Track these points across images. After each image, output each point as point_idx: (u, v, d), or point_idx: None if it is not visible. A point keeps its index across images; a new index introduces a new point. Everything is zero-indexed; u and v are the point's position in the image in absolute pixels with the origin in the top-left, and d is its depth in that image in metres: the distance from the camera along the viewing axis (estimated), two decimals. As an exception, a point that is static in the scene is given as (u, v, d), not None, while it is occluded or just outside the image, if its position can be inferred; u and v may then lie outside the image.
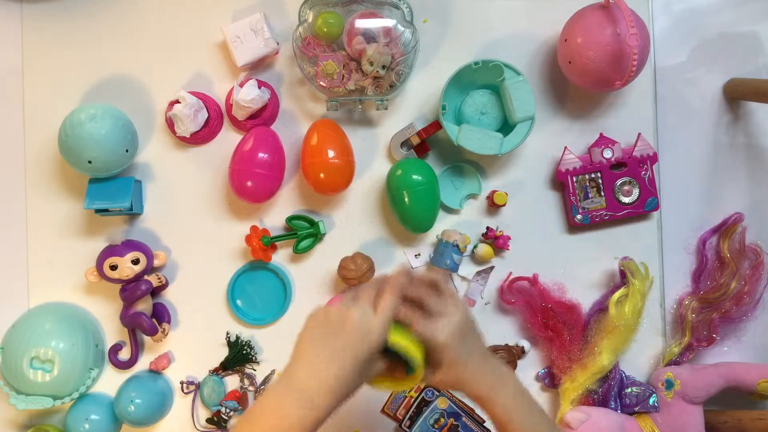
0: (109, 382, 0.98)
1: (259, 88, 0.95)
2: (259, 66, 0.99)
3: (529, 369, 0.99)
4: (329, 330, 0.64)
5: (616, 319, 0.94)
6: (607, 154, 0.97)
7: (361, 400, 0.98)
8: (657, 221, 1.01)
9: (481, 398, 0.69)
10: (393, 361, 0.68)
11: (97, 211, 0.94)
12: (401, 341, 0.65)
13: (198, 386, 0.99)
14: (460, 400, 0.97)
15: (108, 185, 0.94)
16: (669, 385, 0.94)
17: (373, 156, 1.00)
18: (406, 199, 0.92)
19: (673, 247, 1.01)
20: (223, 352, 0.99)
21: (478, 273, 0.99)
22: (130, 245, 0.95)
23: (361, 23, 0.92)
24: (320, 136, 0.94)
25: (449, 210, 0.99)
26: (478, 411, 0.96)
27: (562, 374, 0.96)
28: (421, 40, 0.93)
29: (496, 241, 0.97)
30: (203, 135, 0.98)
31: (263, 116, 0.97)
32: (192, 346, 0.99)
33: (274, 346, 0.99)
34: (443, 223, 0.99)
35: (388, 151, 0.99)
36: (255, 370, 0.99)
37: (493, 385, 0.68)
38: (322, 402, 0.62)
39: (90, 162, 0.90)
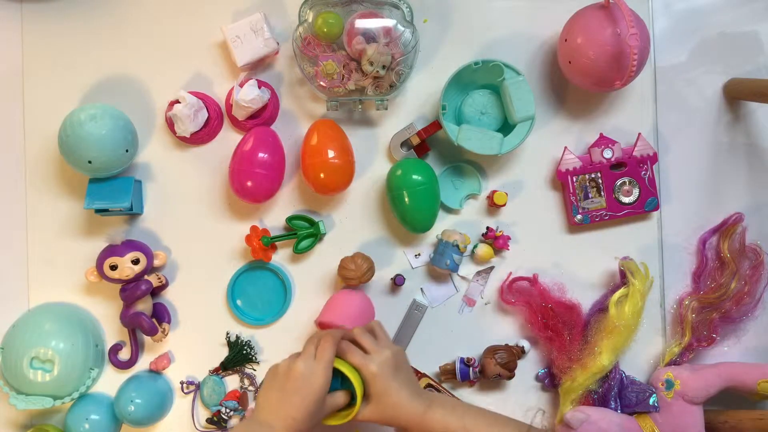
0: (109, 382, 0.98)
1: (259, 88, 0.95)
2: (259, 66, 0.99)
3: (529, 369, 0.99)
4: (280, 380, 0.77)
5: (616, 319, 0.94)
6: (607, 154, 0.97)
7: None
8: (657, 221, 1.01)
9: (416, 423, 0.78)
10: (344, 395, 0.80)
11: (97, 211, 0.94)
12: (345, 371, 0.78)
13: (198, 386, 0.99)
14: (459, 400, 0.97)
15: (108, 185, 0.94)
16: (669, 385, 0.94)
17: (373, 156, 1.00)
18: (406, 199, 0.92)
19: (673, 247, 1.01)
20: (223, 352, 0.99)
21: (478, 273, 0.99)
22: (130, 245, 0.95)
23: (361, 23, 0.92)
24: (320, 136, 0.94)
25: (449, 210, 0.99)
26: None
27: (562, 374, 0.96)
28: (421, 40, 0.93)
29: (496, 241, 0.97)
30: (203, 135, 0.98)
31: (263, 116, 0.97)
32: (192, 346, 0.99)
33: (274, 346, 0.99)
34: (443, 223, 0.99)
35: (388, 151, 0.99)
36: (255, 370, 0.99)
37: (423, 411, 0.78)
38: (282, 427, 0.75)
39: (90, 162, 0.90)
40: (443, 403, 0.80)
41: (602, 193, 0.98)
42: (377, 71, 0.92)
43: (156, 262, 0.97)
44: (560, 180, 0.98)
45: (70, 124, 0.89)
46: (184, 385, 0.98)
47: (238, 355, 0.98)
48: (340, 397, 0.80)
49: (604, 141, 0.98)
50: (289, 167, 0.98)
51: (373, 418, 0.79)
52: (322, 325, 0.93)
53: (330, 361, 0.77)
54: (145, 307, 0.95)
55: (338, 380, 0.80)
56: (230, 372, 0.99)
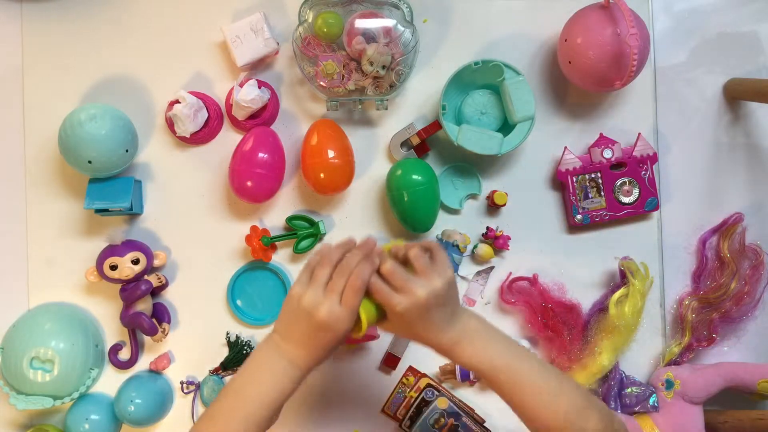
0: (109, 382, 0.98)
1: (259, 88, 0.95)
2: (259, 66, 0.99)
3: (529, 369, 0.99)
4: (303, 317, 0.70)
5: (616, 319, 0.94)
6: (607, 154, 0.97)
7: (361, 400, 0.99)
8: (657, 221, 1.01)
9: (441, 354, 0.73)
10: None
11: (97, 211, 0.94)
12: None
13: (198, 386, 0.99)
14: (460, 401, 0.97)
15: (108, 185, 0.94)
16: (669, 385, 0.94)
17: (373, 156, 1.00)
18: (406, 199, 0.92)
19: (673, 247, 1.01)
20: (223, 352, 0.99)
21: (478, 273, 0.99)
22: (130, 245, 0.95)
23: (361, 23, 0.92)
24: (320, 136, 0.94)
25: (449, 210, 0.99)
26: (479, 411, 0.96)
27: (562, 374, 0.96)
28: (421, 40, 0.93)
29: (496, 241, 0.97)
30: (203, 135, 0.98)
31: (263, 116, 0.97)
32: (192, 346, 0.99)
33: (274, 346, 0.99)
34: (443, 223, 0.99)
35: (388, 151, 0.99)
36: (255, 370, 0.99)
37: (451, 346, 0.72)
38: (306, 365, 0.72)
39: (90, 162, 0.90)
40: (478, 336, 0.73)
41: (602, 193, 0.98)
42: (377, 71, 0.92)
43: (156, 262, 0.97)
44: (560, 180, 0.98)
45: (70, 124, 0.89)
46: (184, 385, 0.98)
47: (238, 355, 0.98)
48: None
49: (604, 141, 0.98)
50: (289, 167, 0.98)
51: (391, 332, 0.77)
52: None
53: (356, 308, 0.70)
54: (145, 307, 0.95)
55: None
56: (230, 372, 0.99)
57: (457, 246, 0.95)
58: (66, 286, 0.99)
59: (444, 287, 0.71)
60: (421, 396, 0.96)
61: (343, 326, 0.69)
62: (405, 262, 0.74)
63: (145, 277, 0.96)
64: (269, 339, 0.74)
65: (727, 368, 0.94)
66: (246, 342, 0.98)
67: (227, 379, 0.99)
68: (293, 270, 0.99)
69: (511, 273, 0.99)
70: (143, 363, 0.99)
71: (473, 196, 1.00)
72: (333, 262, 0.72)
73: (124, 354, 0.99)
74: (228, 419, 0.71)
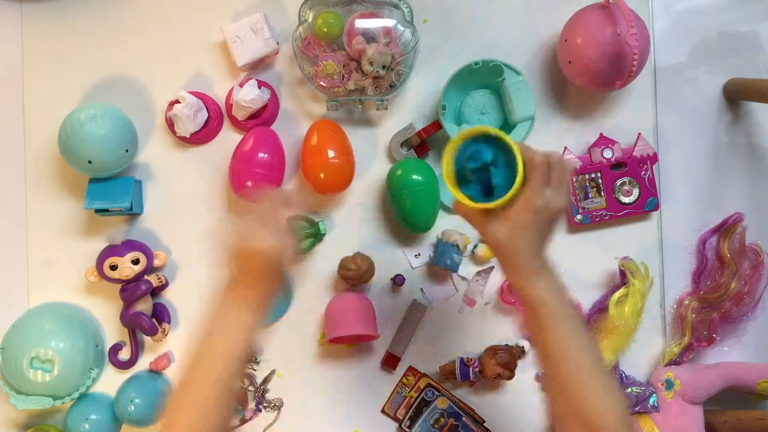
0: (109, 382, 0.98)
1: (259, 88, 0.95)
2: (259, 66, 0.99)
3: (529, 369, 0.99)
4: (239, 259, 0.73)
5: (616, 319, 0.94)
6: (607, 154, 0.97)
7: (361, 401, 0.99)
8: (657, 221, 1.01)
9: (516, 279, 0.71)
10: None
11: (97, 211, 0.94)
12: (519, 160, 0.66)
13: (198, 386, 0.98)
14: (460, 400, 0.97)
15: (108, 185, 0.94)
16: (669, 385, 0.94)
17: (373, 156, 1.00)
18: (406, 199, 0.92)
19: (673, 247, 1.01)
20: (223, 352, 0.99)
21: (478, 273, 0.99)
22: (130, 245, 0.95)
23: (361, 23, 0.92)
24: (320, 136, 0.94)
25: (449, 210, 0.99)
26: (478, 411, 0.96)
27: (562, 374, 0.96)
28: (421, 40, 0.93)
29: (496, 241, 0.97)
30: (203, 135, 0.98)
31: (263, 116, 0.97)
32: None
33: (274, 346, 0.99)
34: (443, 223, 0.99)
35: (388, 151, 0.99)
36: (255, 370, 0.99)
37: (533, 270, 0.69)
38: (261, 302, 0.73)
39: (90, 162, 0.90)
40: (551, 280, 0.70)
41: (602, 193, 0.98)
42: (377, 71, 0.92)
43: (156, 262, 0.97)
44: (560, 180, 0.98)
45: (70, 124, 0.89)
46: (184, 385, 0.98)
47: (238, 355, 0.98)
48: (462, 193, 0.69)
49: (604, 141, 0.98)
50: (289, 167, 0.98)
51: (492, 237, 0.70)
52: (333, 341, 0.94)
53: (287, 226, 0.73)
54: (145, 307, 0.95)
55: (490, 156, 0.68)
56: (230, 372, 0.99)
57: (457, 246, 0.95)
58: (66, 286, 0.99)
59: (564, 208, 0.70)
60: (421, 396, 0.96)
61: (285, 259, 0.71)
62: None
63: (145, 277, 0.96)
64: (222, 294, 0.74)
65: (727, 368, 0.94)
66: (246, 342, 0.98)
67: (227, 379, 0.99)
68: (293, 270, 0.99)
69: (511, 273, 0.98)
70: (143, 363, 0.99)
71: (473, 196, 1.00)
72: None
73: (124, 354, 0.99)
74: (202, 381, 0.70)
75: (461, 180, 0.70)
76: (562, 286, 0.71)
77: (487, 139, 0.69)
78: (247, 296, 0.72)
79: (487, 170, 0.69)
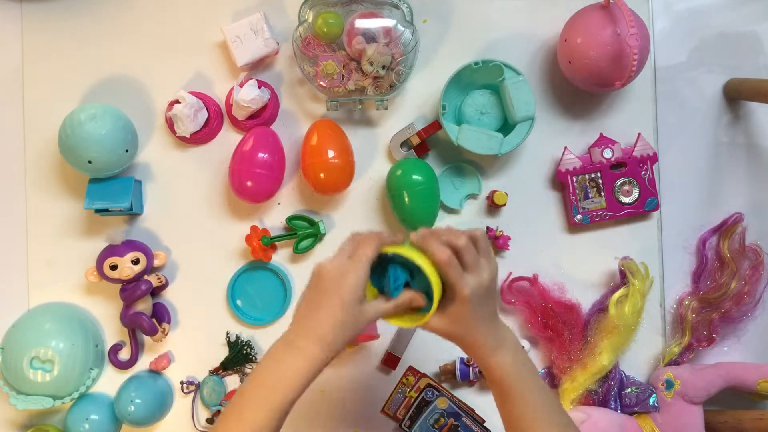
0: (109, 382, 0.98)
1: (259, 88, 0.95)
2: (259, 66, 0.99)
3: (529, 369, 0.99)
4: (310, 285, 0.69)
5: (616, 319, 0.94)
6: (607, 154, 0.97)
7: (361, 401, 0.99)
8: (657, 221, 1.01)
9: (479, 359, 0.71)
10: (412, 296, 0.69)
11: (97, 211, 0.94)
12: (428, 272, 0.66)
13: (198, 386, 0.99)
14: (460, 400, 0.97)
15: (108, 185, 0.94)
16: (669, 385, 0.94)
17: (373, 156, 1.00)
18: (406, 199, 0.92)
19: (673, 247, 1.01)
20: (223, 352, 0.99)
21: (478, 273, 0.99)
22: (130, 245, 0.95)
23: (361, 23, 0.92)
24: (320, 136, 0.94)
25: (449, 210, 0.99)
26: (479, 411, 0.96)
27: (562, 374, 0.96)
28: (421, 40, 0.93)
29: (496, 241, 0.97)
30: (203, 135, 0.98)
31: (263, 116, 0.97)
32: (192, 346, 0.99)
33: (274, 346, 0.99)
34: (443, 223, 0.99)
35: (388, 151, 0.99)
36: (255, 370, 0.99)
37: (494, 348, 0.70)
38: (313, 352, 0.66)
39: (90, 162, 0.90)
40: (515, 347, 0.71)
41: (602, 193, 0.98)
42: (377, 71, 0.92)
43: (156, 262, 0.97)
44: (560, 180, 0.98)
45: (70, 124, 0.89)
46: (184, 385, 0.98)
47: (238, 355, 0.98)
48: (405, 298, 0.69)
49: (604, 141, 0.98)
50: (289, 167, 0.98)
51: (439, 332, 0.70)
52: None
53: (366, 260, 0.66)
54: (145, 307, 0.95)
55: (407, 275, 0.70)
56: (230, 372, 0.99)
57: (457, 246, 0.95)
58: (66, 286, 0.99)
59: (495, 273, 0.70)
60: (421, 396, 0.96)
61: (349, 281, 0.65)
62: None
63: (145, 277, 0.96)
64: (277, 340, 0.70)
65: (727, 368, 0.94)
66: (246, 342, 0.98)
67: (227, 379, 0.99)
68: (293, 270, 0.99)
69: (511, 273, 0.99)
70: (143, 363, 0.99)
71: (473, 196, 1.00)
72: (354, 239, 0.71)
73: (124, 354, 0.99)
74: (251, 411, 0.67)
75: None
76: (522, 354, 0.72)
77: (393, 258, 0.69)
78: (313, 331, 0.66)
79: (410, 285, 0.70)
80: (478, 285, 0.67)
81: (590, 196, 0.98)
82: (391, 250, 0.69)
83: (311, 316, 0.67)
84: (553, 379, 0.98)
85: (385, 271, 0.69)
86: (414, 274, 0.69)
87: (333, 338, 0.66)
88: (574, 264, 1.00)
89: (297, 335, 0.67)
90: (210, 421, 0.97)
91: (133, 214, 0.98)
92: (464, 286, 0.66)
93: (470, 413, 0.96)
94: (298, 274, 0.99)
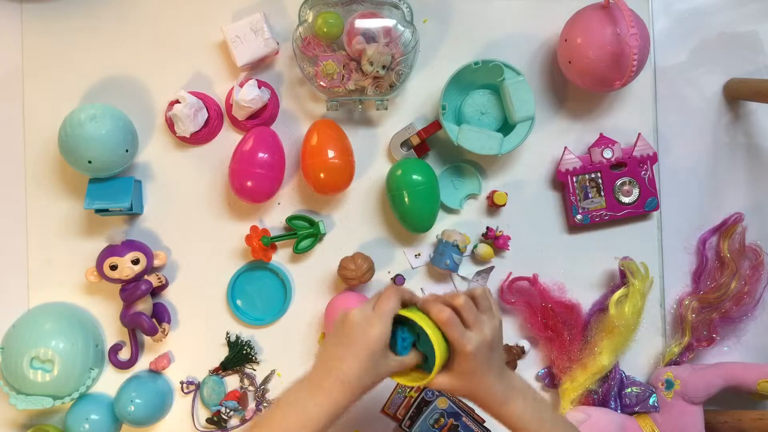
0: (109, 382, 0.98)
1: (259, 88, 0.95)
2: (259, 66, 0.99)
3: (529, 369, 0.99)
4: (336, 332, 0.70)
5: (616, 319, 0.94)
6: (607, 154, 0.97)
7: (361, 400, 0.99)
8: (657, 221, 1.01)
9: (491, 411, 0.72)
10: (418, 356, 0.71)
11: (97, 211, 0.94)
12: (430, 333, 0.68)
13: (198, 386, 0.99)
14: (460, 400, 0.97)
15: (108, 185, 0.94)
16: (669, 385, 0.94)
17: (373, 156, 1.00)
18: (406, 199, 0.92)
19: (673, 247, 1.01)
20: (223, 352, 0.99)
21: (478, 273, 0.99)
22: (130, 245, 0.95)
23: (361, 23, 0.92)
24: (320, 136, 0.94)
25: (449, 210, 0.99)
26: (478, 411, 0.96)
27: (562, 374, 0.96)
28: (421, 40, 0.93)
29: (496, 241, 0.97)
30: (203, 135, 0.98)
31: (263, 116, 0.97)
32: (192, 346, 0.99)
33: (274, 346, 0.99)
34: (443, 223, 0.99)
35: (388, 151, 0.99)
36: (255, 370, 0.99)
37: (504, 400, 0.71)
38: (336, 396, 0.67)
39: (90, 162, 0.90)
40: (524, 394, 0.73)
41: (602, 193, 0.98)
42: (377, 71, 0.92)
43: (156, 262, 0.97)
44: (560, 180, 0.98)
45: (70, 124, 0.89)
46: (184, 385, 0.98)
47: (238, 355, 0.98)
48: (411, 358, 0.71)
49: (604, 141, 0.98)
50: (289, 167, 0.98)
51: (447, 389, 0.72)
52: None
53: (390, 313, 0.69)
54: (145, 307, 0.95)
55: (414, 336, 0.72)
56: (230, 372, 0.99)
57: (457, 246, 0.95)
58: (66, 286, 0.99)
59: (498, 328, 0.72)
60: (421, 396, 0.96)
61: (373, 331, 0.67)
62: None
63: (145, 277, 0.96)
64: (298, 380, 0.71)
65: (727, 368, 0.94)
66: (246, 342, 0.98)
67: (227, 379, 0.99)
68: (293, 270, 0.99)
69: (511, 273, 0.99)
70: (143, 363, 0.99)
71: (473, 196, 1.00)
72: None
73: (124, 354, 0.99)
74: None
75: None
76: (534, 401, 0.73)
77: (401, 319, 0.70)
78: (339, 375, 0.68)
79: (417, 346, 0.71)
80: (480, 340, 0.69)
81: (590, 196, 0.98)
82: (400, 311, 0.71)
83: (337, 361, 0.68)
84: (553, 379, 0.98)
85: (395, 331, 0.71)
86: (420, 335, 0.71)
87: (357, 384, 0.68)
88: (574, 264, 1.00)
89: (323, 378, 0.69)
90: (210, 421, 0.98)
91: (133, 214, 0.98)
92: (467, 343, 0.68)
93: (470, 413, 0.96)
94: (298, 274, 0.99)
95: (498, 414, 0.72)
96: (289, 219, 0.98)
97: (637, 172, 0.98)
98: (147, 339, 0.98)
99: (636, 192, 0.98)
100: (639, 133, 0.98)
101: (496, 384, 0.71)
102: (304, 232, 0.97)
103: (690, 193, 1.01)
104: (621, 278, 0.98)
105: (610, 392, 0.96)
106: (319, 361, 0.71)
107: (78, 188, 0.98)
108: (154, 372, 0.98)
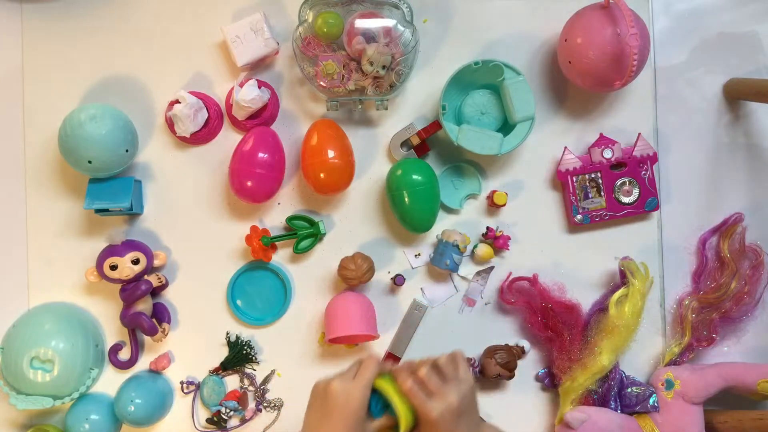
0: (109, 382, 0.98)
1: (259, 88, 0.95)
2: (259, 66, 0.99)
3: (529, 369, 0.99)
4: (320, 399, 0.73)
5: (616, 319, 0.94)
6: (607, 154, 0.97)
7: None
8: (657, 221, 1.01)
9: None
10: (390, 419, 0.73)
11: (97, 211, 0.94)
12: (398, 404, 0.71)
13: (198, 386, 0.99)
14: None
15: (108, 185, 0.94)
16: (669, 385, 0.94)
17: (373, 156, 1.00)
18: (406, 199, 0.92)
19: (673, 247, 1.01)
20: (223, 352, 0.99)
21: (478, 273, 0.99)
22: (130, 245, 0.95)
23: (361, 23, 0.92)
24: (320, 136, 0.94)
25: (449, 210, 0.99)
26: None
27: (562, 374, 0.96)
28: (421, 40, 0.93)
29: (496, 241, 0.97)
30: (203, 135, 0.98)
31: (263, 116, 0.97)
32: (192, 346, 0.99)
33: (274, 346, 0.99)
34: (443, 223, 0.99)
35: (388, 151, 0.99)
36: (255, 370, 0.99)
37: None
38: None
39: (90, 162, 0.90)
40: None
41: (602, 193, 0.98)
42: (377, 71, 0.92)
43: (156, 262, 0.97)
44: (560, 180, 0.98)
45: (70, 124, 0.89)
46: (184, 385, 0.98)
47: (238, 355, 0.98)
48: (383, 421, 0.74)
49: (604, 141, 0.98)
50: (289, 167, 0.98)
51: None
52: (332, 341, 0.94)
53: (368, 383, 0.72)
54: (145, 307, 0.95)
55: (384, 401, 0.74)
56: (230, 372, 0.99)
57: (457, 246, 0.95)
58: (66, 286, 0.99)
59: (466, 392, 0.73)
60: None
61: (354, 402, 0.70)
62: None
63: (145, 277, 0.96)
64: None
65: (727, 368, 0.94)
66: (246, 342, 0.98)
67: (227, 379, 0.99)
68: (293, 270, 0.99)
69: (511, 273, 0.99)
70: (143, 363, 0.99)
71: (473, 196, 1.00)
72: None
73: (124, 354, 0.99)
74: None
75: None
76: None
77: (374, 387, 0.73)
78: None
79: (388, 410, 0.73)
80: (444, 408, 0.70)
81: (590, 196, 0.98)
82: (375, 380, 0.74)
83: (322, 429, 0.71)
84: (553, 379, 0.98)
85: (371, 394, 0.73)
86: (388, 403, 0.73)
87: None
88: (574, 264, 1.00)
89: None
90: (210, 421, 0.98)
91: (133, 214, 0.98)
92: (430, 411, 0.70)
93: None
94: (298, 274, 0.99)
95: None
96: (289, 219, 0.98)
97: (637, 172, 0.98)
98: (147, 339, 0.98)
99: (636, 192, 0.98)
100: (639, 133, 0.98)
101: None
102: (304, 232, 0.97)
103: (690, 193, 1.01)
104: (621, 278, 0.98)
105: (610, 392, 0.96)
106: (306, 428, 0.73)
107: (78, 188, 0.98)
108: (154, 372, 0.98)
